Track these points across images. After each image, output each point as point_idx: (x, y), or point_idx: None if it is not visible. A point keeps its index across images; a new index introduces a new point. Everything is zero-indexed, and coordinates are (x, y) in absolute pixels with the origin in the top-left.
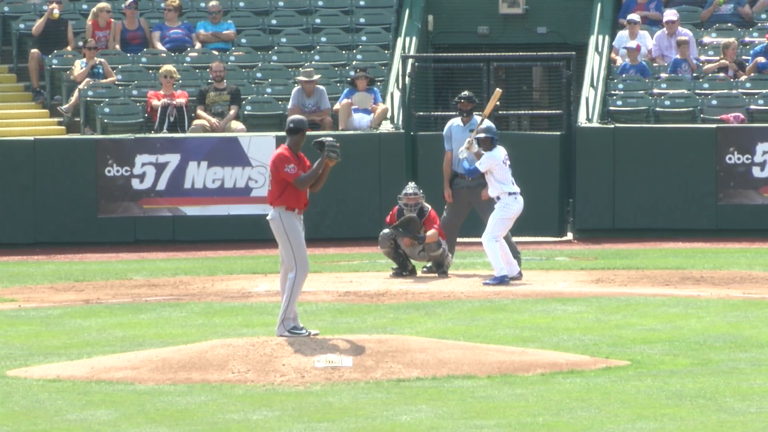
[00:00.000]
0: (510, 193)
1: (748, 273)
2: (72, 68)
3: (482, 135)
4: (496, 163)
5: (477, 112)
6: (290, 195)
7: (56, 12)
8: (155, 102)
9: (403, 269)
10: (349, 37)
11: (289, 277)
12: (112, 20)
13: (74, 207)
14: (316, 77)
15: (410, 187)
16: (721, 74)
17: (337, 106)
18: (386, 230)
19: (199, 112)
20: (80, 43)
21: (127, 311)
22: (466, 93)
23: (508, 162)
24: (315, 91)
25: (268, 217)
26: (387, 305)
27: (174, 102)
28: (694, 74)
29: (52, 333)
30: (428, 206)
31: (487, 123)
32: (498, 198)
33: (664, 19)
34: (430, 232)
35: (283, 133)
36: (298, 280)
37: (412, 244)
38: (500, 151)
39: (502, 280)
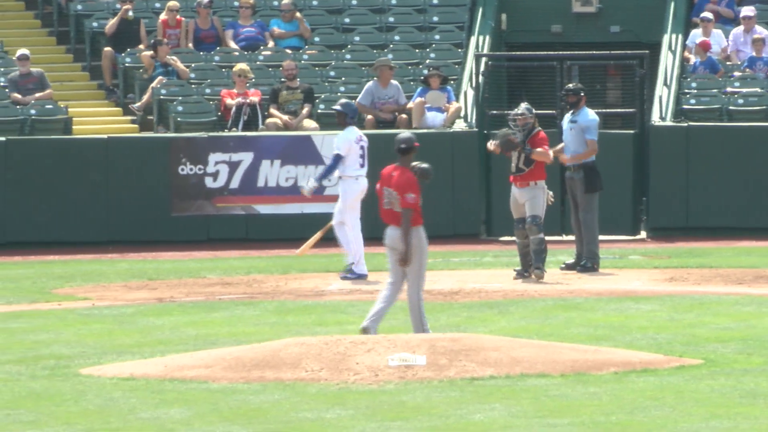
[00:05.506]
0: (356, 178)
1: None
2: (143, 66)
3: (338, 108)
4: (348, 146)
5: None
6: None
7: (131, 14)
8: (229, 101)
9: (525, 269)
10: (422, 36)
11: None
12: (183, 18)
13: (147, 205)
14: (394, 65)
15: (521, 108)
16: None
17: (410, 104)
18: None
19: (272, 110)
20: (152, 41)
21: (200, 309)
22: (570, 86)
23: (363, 143)
24: (390, 85)
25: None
26: (460, 304)
27: (247, 100)
28: None
29: (125, 331)
30: (538, 128)
31: (345, 100)
32: (339, 178)
33: (741, 15)
34: (538, 149)
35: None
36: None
37: (508, 153)
38: (353, 132)
39: (353, 272)
